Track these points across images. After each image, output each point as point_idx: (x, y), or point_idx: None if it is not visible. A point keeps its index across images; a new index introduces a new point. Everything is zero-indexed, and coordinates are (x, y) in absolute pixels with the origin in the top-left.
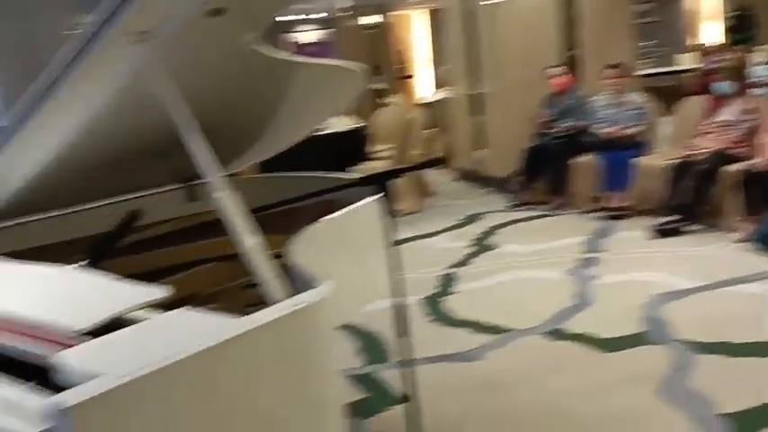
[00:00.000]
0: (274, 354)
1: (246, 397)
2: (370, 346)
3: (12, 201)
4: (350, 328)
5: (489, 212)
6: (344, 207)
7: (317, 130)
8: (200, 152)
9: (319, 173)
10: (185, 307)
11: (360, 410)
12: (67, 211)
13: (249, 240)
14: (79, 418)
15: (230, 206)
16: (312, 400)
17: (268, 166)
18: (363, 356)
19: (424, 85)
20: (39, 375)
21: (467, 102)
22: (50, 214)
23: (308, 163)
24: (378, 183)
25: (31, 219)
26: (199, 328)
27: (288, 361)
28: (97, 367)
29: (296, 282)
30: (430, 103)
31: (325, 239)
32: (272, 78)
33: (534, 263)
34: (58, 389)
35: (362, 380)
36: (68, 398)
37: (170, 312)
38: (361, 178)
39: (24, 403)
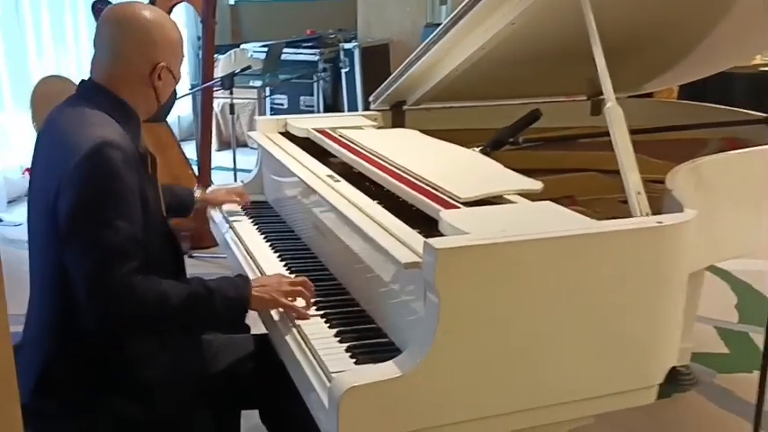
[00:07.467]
0: (625, 263)
1: (591, 294)
2: (748, 305)
3: (435, 89)
4: (732, 281)
5: None
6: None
7: (762, 66)
8: (599, 61)
9: (726, 107)
10: (548, 201)
11: (714, 363)
12: (479, 104)
13: (623, 153)
14: (444, 258)
15: (615, 119)
16: (654, 318)
17: (690, 95)
18: (740, 314)
19: None
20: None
21: None
22: (463, 104)
23: (743, 101)
24: None
25: (446, 105)
26: (559, 219)
27: (636, 274)
28: (466, 227)
29: (666, 204)
30: None
31: (712, 173)
32: None
33: None
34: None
35: (730, 336)
36: (440, 242)
37: (535, 202)
38: None
39: (412, 239)
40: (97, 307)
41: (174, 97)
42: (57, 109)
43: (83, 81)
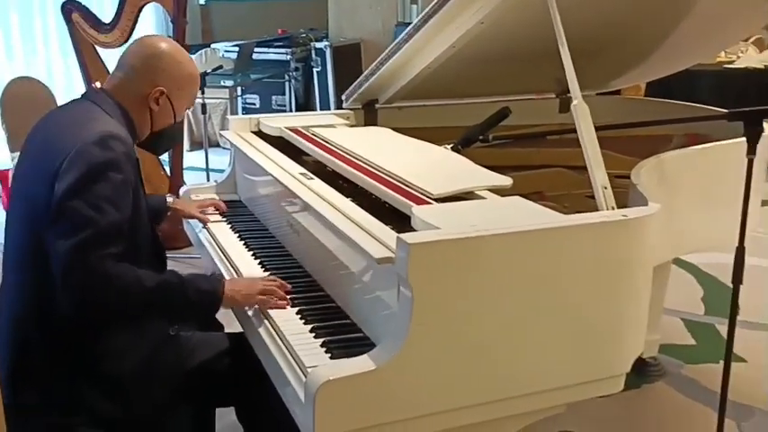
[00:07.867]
0: (592, 255)
1: (559, 286)
2: (714, 297)
3: (407, 87)
4: (698, 274)
5: None
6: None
7: (726, 63)
8: (566, 60)
9: (690, 104)
10: (517, 196)
11: (681, 354)
12: (450, 102)
13: (590, 149)
14: (416, 253)
15: (581, 115)
16: (620, 308)
17: (656, 92)
18: (706, 306)
19: None
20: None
21: None
22: (434, 102)
23: (708, 98)
24: (752, 120)
25: (419, 104)
26: (528, 214)
27: (603, 266)
28: (437, 223)
29: (631, 198)
30: None
31: (675, 168)
32: None
33: None
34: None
35: (696, 327)
36: (413, 237)
37: (505, 198)
38: (728, 112)
39: (385, 234)
40: (73, 288)
41: (175, 136)
42: (55, 109)
43: (89, 88)
